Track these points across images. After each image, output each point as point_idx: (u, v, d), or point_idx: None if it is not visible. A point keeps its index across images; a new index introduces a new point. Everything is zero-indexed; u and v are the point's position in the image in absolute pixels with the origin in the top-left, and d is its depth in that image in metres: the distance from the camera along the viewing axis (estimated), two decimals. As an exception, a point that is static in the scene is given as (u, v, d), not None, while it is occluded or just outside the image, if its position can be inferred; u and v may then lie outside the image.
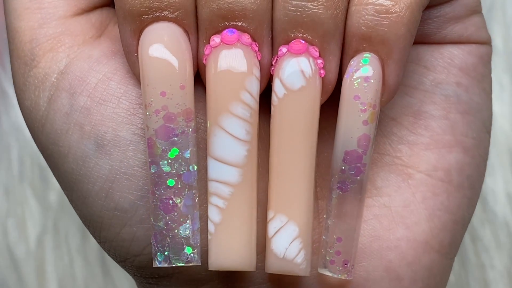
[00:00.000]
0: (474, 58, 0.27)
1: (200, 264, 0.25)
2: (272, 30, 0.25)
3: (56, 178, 0.27)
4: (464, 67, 0.27)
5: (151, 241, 0.25)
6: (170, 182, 0.25)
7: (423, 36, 0.27)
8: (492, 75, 0.32)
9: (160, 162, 0.25)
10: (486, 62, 0.28)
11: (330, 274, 0.26)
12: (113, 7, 0.27)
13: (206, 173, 0.25)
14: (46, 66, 0.26)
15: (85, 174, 0.26)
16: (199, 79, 0.26)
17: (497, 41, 0.43)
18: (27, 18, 0.26)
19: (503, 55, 0.43)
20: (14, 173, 0.43)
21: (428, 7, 0.27)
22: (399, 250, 0.26)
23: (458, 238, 0.27)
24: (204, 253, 0.25)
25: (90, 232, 0.27)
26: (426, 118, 0.27)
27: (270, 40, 0.25)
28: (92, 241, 0.43)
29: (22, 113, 0.27)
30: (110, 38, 0.27)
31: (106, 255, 0.39)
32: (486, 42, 0.28)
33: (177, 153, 0.25)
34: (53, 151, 0.26)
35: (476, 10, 0.28)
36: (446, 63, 0.27)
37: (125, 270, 0.27)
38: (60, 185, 0.27)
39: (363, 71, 0.25)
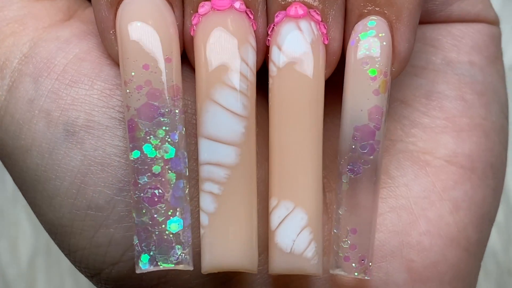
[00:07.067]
0: (485, 37, 0.25)
1: (192, 269, 0.21)
2: None
3: (15, 181, 0.23)
4: (475, 45, 0.25)
5: (134, 241, 0.21)
6: (156, 169, 0.21)
7: (427, 14, 0.24)
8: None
9: (144, 146, 0.21)
10: (497, 43, 0.25)
11: (345, 274, 0.22)
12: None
13: (196, 162, 0.22)
14: (6, 52, 0.23)
15: (52, 168, 0.22)
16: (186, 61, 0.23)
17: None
18: None
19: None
20: (8, 195, 0.43)
21: None
22: (421, 247, 0.23)
23: (485, 236, 0.24)
24: (195, 257, 0.22)
25: (57, 243, 0.23)
26: (439, 99, 0.24)
27: (265, 10, 0.22)
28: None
29: None
30: (82, 20, 0.24)
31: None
32: (495, 22, 0.25)
33: (163, 136, 0.21)
34: (13, 147, 0.23)
35: None
36: (455, 41, 0.24)
37: (98, 287, 0.23)
38: (20, 189, 0.23)
39: (371, 34, 0.22)
